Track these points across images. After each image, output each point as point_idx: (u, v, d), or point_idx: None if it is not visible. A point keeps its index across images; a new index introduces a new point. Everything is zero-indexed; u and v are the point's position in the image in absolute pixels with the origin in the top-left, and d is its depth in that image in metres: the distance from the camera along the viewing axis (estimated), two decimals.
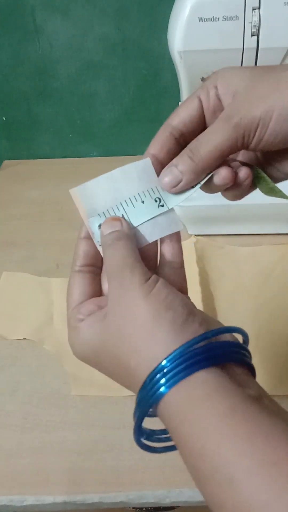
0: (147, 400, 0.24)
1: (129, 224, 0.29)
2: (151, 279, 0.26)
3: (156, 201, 0.30)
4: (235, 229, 0.65)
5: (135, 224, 0.29)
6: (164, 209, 0.30)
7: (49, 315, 0.57)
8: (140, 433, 0.26)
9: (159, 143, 0.30)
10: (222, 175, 0.29)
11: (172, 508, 0.47)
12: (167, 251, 0.30)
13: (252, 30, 0.51)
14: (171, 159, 0.30)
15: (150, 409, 0.24)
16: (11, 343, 0.54)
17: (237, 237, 0.65)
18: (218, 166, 0.29)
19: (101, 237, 0.28)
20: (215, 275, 0.60)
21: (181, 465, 0.42)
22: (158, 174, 0.30)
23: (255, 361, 0.49)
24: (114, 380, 0.28)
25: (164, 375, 0.23)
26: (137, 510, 0.47)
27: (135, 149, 0.89)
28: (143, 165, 0.31)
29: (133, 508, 0.44)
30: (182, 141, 0.30)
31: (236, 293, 0.58)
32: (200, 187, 0.30)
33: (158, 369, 0.23)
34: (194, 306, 0.26)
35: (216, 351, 0.23)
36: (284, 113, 0.26)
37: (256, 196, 0.66)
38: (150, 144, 0.31)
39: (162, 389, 0.23)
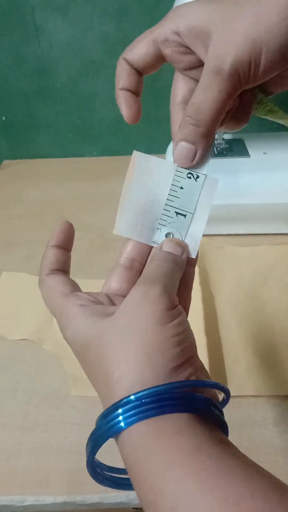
0: (111, 424, 0.23)
1: (187, 256, 0.29)
2: (176, 310, 0.24)
3: (189, 177, 0.28)
4: (235, 229, 0.65)
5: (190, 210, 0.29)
6: (201, 179, 0.28)
7: (49, 315, 0.56)
8: (93, 465, 0.25)
9: (125, 78, 0.30)
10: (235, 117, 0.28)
11: None
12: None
13: None
14: (141, 90, 0.30)
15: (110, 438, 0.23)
16: (11, 343, 0.54)
17: (237, 237, 0.65)
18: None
19: (159, 248, 0.28)
20: (215, 275, 0.60)
21: None
22: (137, 105, 0.30)
23: (255, 362, 0.49)
24: (89, 379, 0.26)
25: (138, 406, 0.22)
26: (137, 510, 0.47)
27: (135, 149, 0.89)
28: (210, 181, 0.29)
29: (133, 508, 0.43)
30: (142, 75, 0.30)
31: (236, 293, 0.58)
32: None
33: (136, 397, 0.22)
34: (196, 350, 0.26)
35: (196, 403, 0.23)
36: (273, 44, 0.24)
37: (256, 196, 0.66)
38: (117, 81, 0.30)
39: (132, 419, 0.22)
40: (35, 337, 0.54)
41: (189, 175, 0.28)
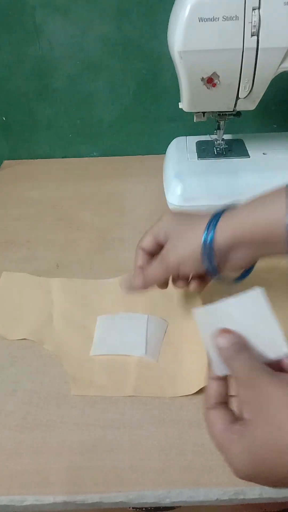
0: None
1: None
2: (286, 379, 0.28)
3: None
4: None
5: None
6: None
7: (49, 315, 0.57)
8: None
9: (139, 259, 0.48)
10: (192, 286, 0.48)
11: (172, 508, 0.47)
12: None
13: (252, 30, 0.51)
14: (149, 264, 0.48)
15: None
16: (11, 343, 0.54)
17: None
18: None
19: (221, 351, 0.32)
20: None
21: (181, 465, 0.42)
22: (140, 279, 0.47)
23: None
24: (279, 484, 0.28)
25: None
26: (137, 510, 0.47)
27: (135, 149, 0.89)
28: (256, 295, 0.33)
29: (133, 508, 0.44)
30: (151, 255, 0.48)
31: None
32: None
33: None
34: None
35: None
36: (191, 258, 0.42)
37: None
38: (135, 261, 0.48)
39: None
40: (35, 337, 0.54)
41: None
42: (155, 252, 0.47)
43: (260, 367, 0.29)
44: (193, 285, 0.48)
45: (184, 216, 0.45)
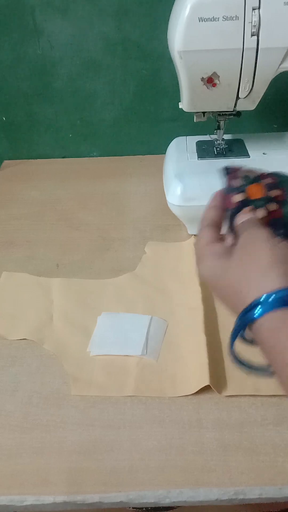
0: (249, 316, 0.30)
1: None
2: (277, 238, 0.33)
3: None
4: None
5: None
6: None
7: (49, 315, 0.57)
8: (233, 345, 0.33)
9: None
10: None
11: (172, 508, 0.47)
12: None
13: (252, 30, 0.51)
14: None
15: (248, 325, 0.31)
16: (11, 343, 0.54)
17: None
18: None
19: (240, 223, 0.36)
20: None
21: (181, 465, 0.42)
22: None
23: (255, 361, 0.48)
24: (223, 301, 0.34)
25: (267, 302, 0.29)
26: (137, 510, 0.47)
27: (135, 149, 0.89)
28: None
29: (133, 508, 0.44)
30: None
31: None
32: None
33: (264, 298, 0.30)
34: None
35: None
36: None
37: None
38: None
39: (262, 309, 0.29)
40: (35, 337, 0.54)
41: None
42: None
43: (261, 226, 0.34)
44: None
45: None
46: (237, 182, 0.37)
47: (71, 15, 0.74)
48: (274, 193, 0.36)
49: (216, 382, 0.47)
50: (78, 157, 0.91)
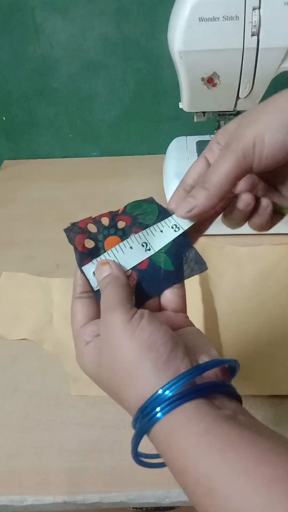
0: (141, 430, 0.26)
1: (118, 266, 0.31)
2: (135, 318, 0.27)
3: (143, 245, 0.32)
4: (235, 229, 0.65)
5: (126, 268, 0.32)
6: (151, 252, 0.32)
7: (49, 315, 0.57)
8: (137, 454, 0.28)
9: (174, 199, 0.34)
10: (244, 199, 0.32)
11: (172, 508, 0.47)
12: None
13: (252, 30, 0.51)
14: None
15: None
16: (11, 343, 0.54)
17: (237, 237, 0.65)
18: (228, 192, 0.31)
19: (97, 282, 0.31)
20: (215, 275, 0.60)
21: None
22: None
23: (255, 361, 0.49)
24: (113, 399, 0.30)
25: (151, 408, 0.25)
26: (137, 510, 0.47)
27: (135, 149, 0.89)
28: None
29: (133, 508, 0.44)
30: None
31: (236, 293, 0.58)
32: (224, 220, 0.34)
33: (143, 407, 0.26)
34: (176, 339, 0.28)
35: (198, 392, 0.25)
36: (273, 126, 0.29)
37: None
38: (169, 202, 0.35)
39: (158, 415, 0.25)
40: (35, 337, 0.54)
41: (173, 226, 0.33)
42: None
43: (114, 303, 0.28)
44: (265, 200, 0.33)
45: (245, 112, 0.33)
46: (90, 244, 0.34)
47: (71, 15, 0.74)
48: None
49: None
50: (78, 157, 0.91)
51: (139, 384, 0.26)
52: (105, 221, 0.34)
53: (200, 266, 0.32)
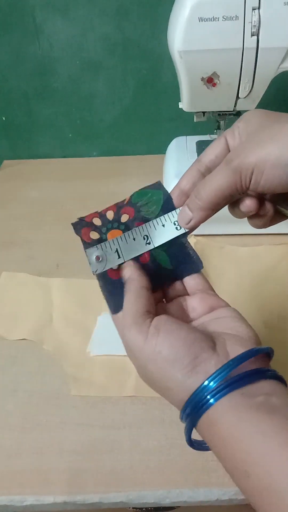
0: (197, 412, 0.27)
1: (137, 270, 0.32)
2: (151, 334, 0.28)
3: (144, 238, 0.33)
4: (235, 229, 0.65)
5: (128, 258, 0.33)
6: (150, 246, 0.33)
7: (48, 316, 0.57)
8: (191, 440, 0.29)
9: (186, 177, 0.34)
10: (246, 203, 0.32)
11: (172, 508, 0.47)
12: None
13: (252, 30, 0.51)
14: None
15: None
16: (11, 343, 0.54)
17: (237, 237, 0.65)
18: (222, 205, 0.32)
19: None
20: (215, 275, 0.60)
21: (181, 465, 0.42)
22: (180, 204, 0.34)
23: None
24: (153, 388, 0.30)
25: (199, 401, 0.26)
26: (137, 510, 0.47)
27: (135, 149, 0.89)
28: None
29: (133, 508, 0.44)
30: (207, 174, 0.33)
31: (236, 293, 0.58)
32: (229, 210, 0.34)
33: (188, 401, 0.27)
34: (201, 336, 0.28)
35: (233, 385, 0.26)
36: (277, 161, 0.28)
37: None
38: (180, 179, 0.34)
39: (211, 400, 0.26)
40: (35, 337, 0.54)
41: (175, 223, 0.34)
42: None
43: (128, 323, 0.29)
44: (268, 205, 0.33)
45: (273, 115, 0.33)
46: (95, 235, 0.35)
47: (71, 15, 0.74)
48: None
49: None
50: (78, 157, 0.91)
51: (174, 395, 0.27)
52: (110, 215, 0.35)
53: (197, 266, 0.33)
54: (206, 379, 0.26)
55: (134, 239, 0.33)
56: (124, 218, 0.34)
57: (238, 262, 0.62)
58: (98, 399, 0.47)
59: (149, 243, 0.33)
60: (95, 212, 0.35)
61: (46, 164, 0.90)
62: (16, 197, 0.80)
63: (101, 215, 0.35)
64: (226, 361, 0.26)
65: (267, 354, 0.29)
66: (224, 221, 0.64)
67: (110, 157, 0.90)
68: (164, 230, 0.33)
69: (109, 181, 0.82)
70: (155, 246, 0.33)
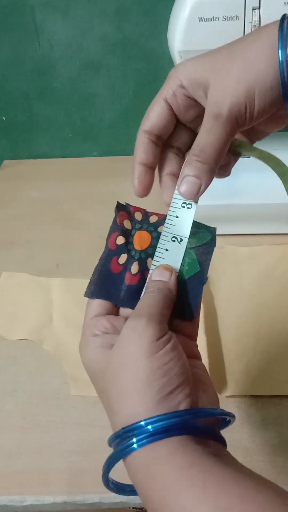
0: (118, 454, 0.26)
1: (176, 280, 0.30)
2: (163, 339, 0.26)
3: (173, 240, 0.32)
4: (235, 229, 0.65)
5: (177, 266, 0.31)
6: (185, 242, 0.31)
7: (48, 315, 0.57)
8: (107, 479, 0.28)
9: (142, 151, 0.33)
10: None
11: None
12: None
13: (252, 30, 0.51)
14: (157, 162, 0.33)
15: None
16: (11, 343, 0.54)
17: (237, 237, 0.65)
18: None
19: (148, 280, 0.30)
20: (215, 275, 0.60)
21: None
22: (148, 180, 0.33)
23: (255, 362, 0.49)
24: (101, 401, 0.29)
25: (138, 434, 0.24)
26: (137, 510, 0.47)
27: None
28: None
29: (133, 508, 0.44)
30: (159, 142, 0.33)
31: (236, 293, 0.58)
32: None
33: (133, 427, 0.25)
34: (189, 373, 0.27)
35: (190, 429, 0.25)
36: (264, 87, 0.27)
37: (256, 196, 0.66)
38: (135, 154, 0.33)
39: (134, 446, 0.25)
40: (35, 337, 0.54)
41: (183, 205, 0.32)
42: (164, 137, 0.34)
43: (153, 314, 0.27)
44: None
45: (216, 53, 0.31)
46: (128, 224, 0.35)
47: (71, 15, 0.74)
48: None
49: (216, 382, 0.47)
50: (78, 157, 0.91)
51: (137, 403, 0.25)
52: (138, 216, 0.35)
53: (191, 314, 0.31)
54: (164, 414, 0.24)
55: (167, 249, 0.31)
56: (153, 219, 0.34)
57: (238, 262, 0.62)
58: (98, 399, 0.47)
59: (181, 240, 0.31)
60: (142, 209, 0.35)
61: (46, 164, 0.90)
62: (16, 197, 0.80)
63: (145, 213, 0.35)
64: (194, 407, 0.26)
65: (224, 421, 0.28)
66: (224, 221, 0.65)
67: (110, 157, 0.90)
68: (181, 221, 0.32)
69: (109, 181, 0.82)
70: (187, 237, 0.31)
